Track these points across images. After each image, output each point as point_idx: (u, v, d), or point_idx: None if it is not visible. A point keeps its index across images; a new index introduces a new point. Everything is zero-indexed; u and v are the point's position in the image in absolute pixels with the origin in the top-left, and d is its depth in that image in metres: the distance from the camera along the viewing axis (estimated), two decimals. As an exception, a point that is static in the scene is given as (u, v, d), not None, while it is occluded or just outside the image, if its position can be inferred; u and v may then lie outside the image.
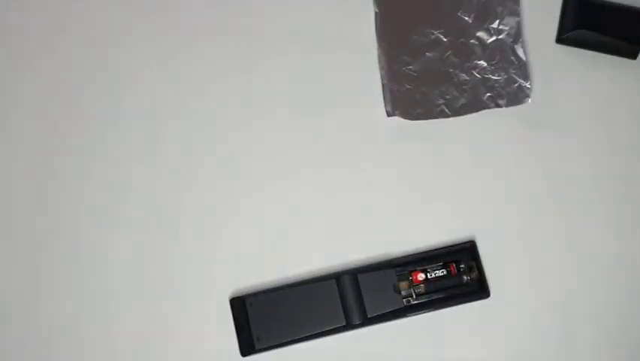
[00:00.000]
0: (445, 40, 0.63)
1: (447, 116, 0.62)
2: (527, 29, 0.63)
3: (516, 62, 0.62)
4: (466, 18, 0.63)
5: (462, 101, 0.62)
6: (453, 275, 0.60)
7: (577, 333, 0.59)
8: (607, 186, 0.62)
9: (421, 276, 0.60)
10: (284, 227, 0.61)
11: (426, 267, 0.60)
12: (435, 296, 0.59)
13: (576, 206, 0.62)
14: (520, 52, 0.62)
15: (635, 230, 0.61)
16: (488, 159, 0.62)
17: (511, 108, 0.62)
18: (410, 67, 0.63)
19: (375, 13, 0.64)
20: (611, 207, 0.62)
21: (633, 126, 0.62)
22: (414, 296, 0.59)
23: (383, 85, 0.63)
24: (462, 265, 0.60)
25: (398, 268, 0.60)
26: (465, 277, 0.60)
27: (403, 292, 0.59)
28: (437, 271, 0.60)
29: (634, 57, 0.62)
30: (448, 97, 0.62)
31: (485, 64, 0.63)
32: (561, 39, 0.63)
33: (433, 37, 0.63)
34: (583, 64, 0.63)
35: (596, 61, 0.63)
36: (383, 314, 0.59)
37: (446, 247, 0.60)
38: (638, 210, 0.62)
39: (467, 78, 0.63)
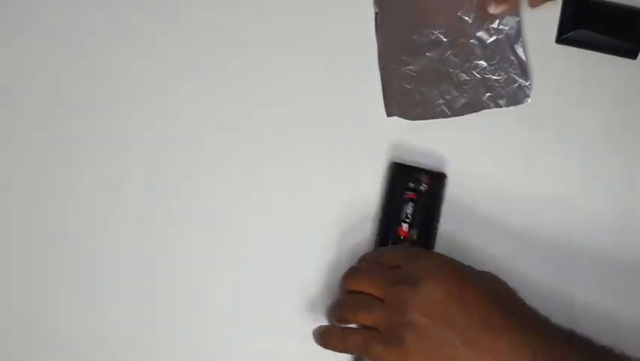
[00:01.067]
0: (445, 40, 0.63)
1: (447, 116, 0.62)
2: (527, 29, 0.63)
3: (516, 62, 0.62)
4: (466, 18, 0.63)
5: (462, 101, 0.62)
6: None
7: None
8: (607, 186, 0.62)
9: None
10: (281, 227, 0.61)
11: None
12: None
13: (576, 206, 0.62)
14: (520, 52, 0.62)
15: (635, 230, 0.61)
16: (488, 158, 0.62)
17: (511, 108, 0.62)
18: (410, 67, 0.63)
19: (376, 13, 0.63)
20: (611, 207, 0.62)
21: (634, 127, 0.62)
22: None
23: (383, 85, 0.63)
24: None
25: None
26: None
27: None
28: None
29: (634, 57, 0.62)
30: (448, 97, 0.62)
31: (485, 64, 0.62)
32: (561, 39, 0.62)
33: (433, 37, 0.63)
34: (583, 64, 0.63)
35: (596, 61, 0.62)
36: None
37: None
38: (638, 210, 0.62)
39: (467, 78, 0.62)
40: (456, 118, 0.62)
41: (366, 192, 0.61)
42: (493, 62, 0.62)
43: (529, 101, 0.62)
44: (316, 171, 0.61)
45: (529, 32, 0.63)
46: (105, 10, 0.63)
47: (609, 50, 0.62)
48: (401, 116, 0.62)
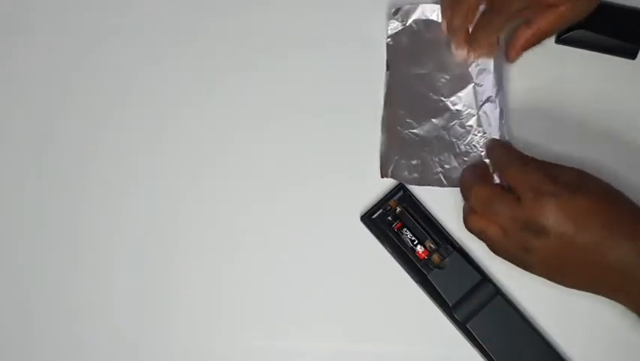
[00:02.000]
0: (453, 108, 0.61)
1: (443, 185, 0.59)
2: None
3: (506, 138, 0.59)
4: (479, 88, 0.61)
5: (460, 172, 0.59)
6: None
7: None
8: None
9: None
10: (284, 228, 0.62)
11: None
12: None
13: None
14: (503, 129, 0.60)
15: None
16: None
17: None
18: (414, 130, 0.61)
19: (387, 73, 0.62)
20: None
21: (634, 127, 0.62)
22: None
23: (382, 145, 0.61)
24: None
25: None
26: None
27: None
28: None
29: (634, 57, 0.62)
30: (447, 166, 0.59)
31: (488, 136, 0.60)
32: (561, 39, 0.62)
33: (441, 104, 0.61)
34: (583, 64, 0.62)
35: (596, 61, 0.62)
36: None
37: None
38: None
39: (469, 150, 0.60)
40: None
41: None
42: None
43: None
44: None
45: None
46: (105, 11, 0.64)
47: (609, 50, 0.61)
48: (395, 179, 0.60)
